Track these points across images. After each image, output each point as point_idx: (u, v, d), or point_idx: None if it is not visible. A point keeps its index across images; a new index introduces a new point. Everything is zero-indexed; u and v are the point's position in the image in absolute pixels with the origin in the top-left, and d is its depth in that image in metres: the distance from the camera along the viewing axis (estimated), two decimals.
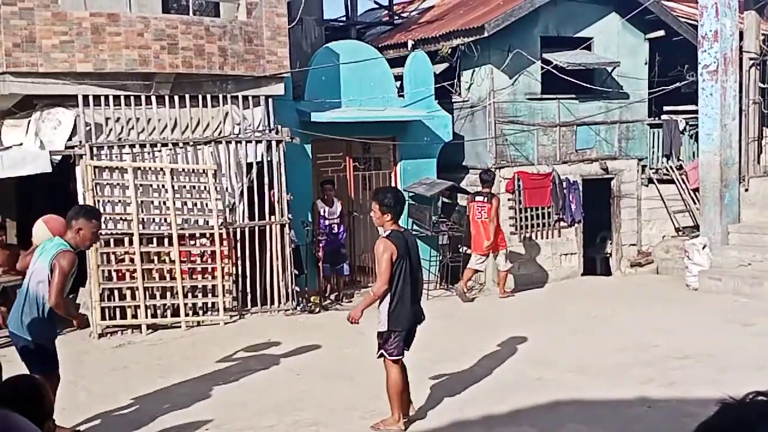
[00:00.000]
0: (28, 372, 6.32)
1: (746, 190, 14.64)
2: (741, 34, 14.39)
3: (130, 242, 10.97)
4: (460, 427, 7.12)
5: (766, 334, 10.10)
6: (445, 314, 12.10)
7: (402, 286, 6.76)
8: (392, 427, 6.94)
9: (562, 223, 15.44)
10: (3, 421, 1.47)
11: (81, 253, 10.73)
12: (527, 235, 15.11)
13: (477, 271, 13.70)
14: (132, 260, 11.00)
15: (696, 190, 15.19)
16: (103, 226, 10.89)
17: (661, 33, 15.77)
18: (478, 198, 13.44)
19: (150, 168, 11.22)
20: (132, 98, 11.04)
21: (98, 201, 10.75)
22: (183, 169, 11.39)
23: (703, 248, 13.60)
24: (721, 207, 13.85)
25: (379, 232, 7.23)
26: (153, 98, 11.17)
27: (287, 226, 12.02)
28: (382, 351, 6.88)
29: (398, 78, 14.35)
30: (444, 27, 15.26)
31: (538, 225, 15.22)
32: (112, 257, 10.99)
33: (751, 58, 14.75)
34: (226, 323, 11.29)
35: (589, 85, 15.24)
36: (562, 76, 14.59)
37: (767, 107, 15.16)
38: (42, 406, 3.33)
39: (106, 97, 10.89)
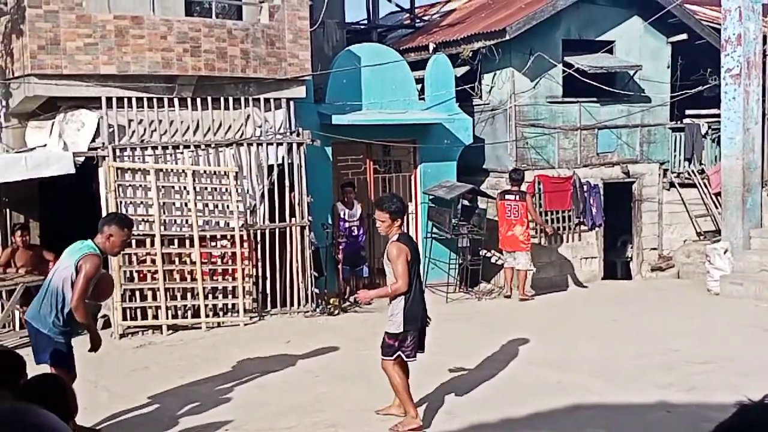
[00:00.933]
0: (34, 362, 6.40)
1: None
2: (765, 37, 14.29)
3: (152, 243, 11.05)
4: (478, 430, 7.12)
5: None
6: (463, 317, 12.11)
7: (414, 288, 6.95)
8: (412, 425, 6.99)
9: (583, 227, 15.39)
10: (36, 418, 1.51)
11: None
12: (548, 238, 15.08)
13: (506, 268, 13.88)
14: (153, 261, 11.08)
15: (718, 194, 15.09)
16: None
17: (683, 36, 15.69)
18: (508, 197, 13.61)
19: (172, 170, 11.30)
20: (155, 100, 11.13)
21: (120, 202, 10.85)
22: (204, 171, 11.46)
23: (725, 253, 13.51)
24: (743, 211, 13.75)
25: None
26: (175, 100, 11.25)
27: (307, 228, 12.07)
28: (399, 353, 6.92)
29: (419, 81, 14.37)
30: (465, 30, 15.27)
31: (558, 228, 15.18)
32: (134, 258, 11.07)
33: None
34: (245, 324, 11.34)
35: (610, 89, 15.20)
36: (584, 79, 14.55)
37: None
38: (67, 405, 3.39)
39: (129, 99, 10.98)
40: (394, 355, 6.95)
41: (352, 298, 13.17)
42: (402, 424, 7.03)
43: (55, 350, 6.49)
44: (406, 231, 7.25)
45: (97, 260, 6.40)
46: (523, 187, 14.07)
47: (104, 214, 10.88)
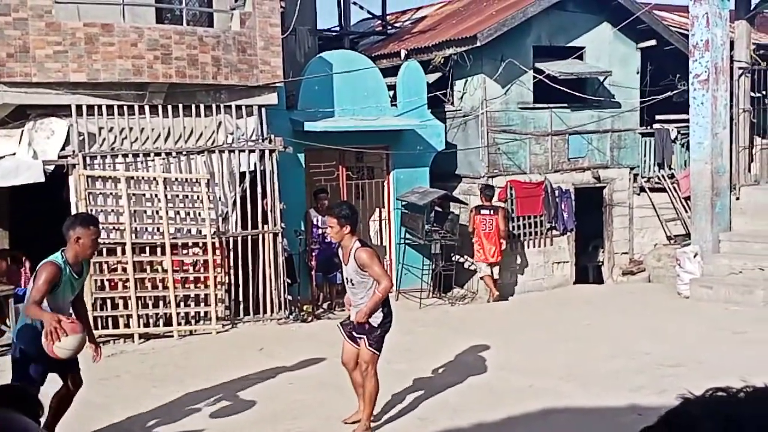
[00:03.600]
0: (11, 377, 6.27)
1: (737, 198, 14.72)
2: (732, 43, 14.48)
3: (123, 252, 10.98)
4: None
5: (756, 342, 10.15)
6: (436, 322, 12.16)
7: None
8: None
9: (555, 232, 15.50)
10: (22, 424, 1.51)
11: None
12: (519, 243, 15.18)
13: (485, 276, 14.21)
14: (124, 269, 11.01)
15: (687, 198, 15.24)
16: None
17: (652, 42, 15.87)
18: (483, 211, 13.92)
19: (143, 177, 11.25)
20: (125, 108, 11.07)
21: (91, 210, 10.76)
22: (176, 179, 11.42)
23: (695, 256, 13.66)
24: (712, 215, 13.91)
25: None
26: (146, 108, 11.20)
27: (280, 235, 12.05)
28: (365, 337, 6.93)
29: (391, 87, 14.41)
30: (437, 37, 15.33)
31: (530, 233, 15.28)
32: (105, 266, 11.00)
33: (741, 68, 14.85)
34: (218, 332, 11.30)
35: (581, 95, 15.31)
36: (555, 85, 14.65)
37: (757, 116, 15.24)
38: (35, 413, 3.36)
39: (100, 106, 10.92)
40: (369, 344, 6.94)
41: (326, 305, 13.18)
42: (360, 428, 7.07)
43: (24, 365, 6.25)
44: (367, 239, 7.28)
45: (51, 268, 6.09)
46: (495, 196, 14.38)
47: None
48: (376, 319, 6.90)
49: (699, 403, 1.07)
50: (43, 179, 10.52)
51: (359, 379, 7.10)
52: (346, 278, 7.08)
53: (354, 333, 7.05)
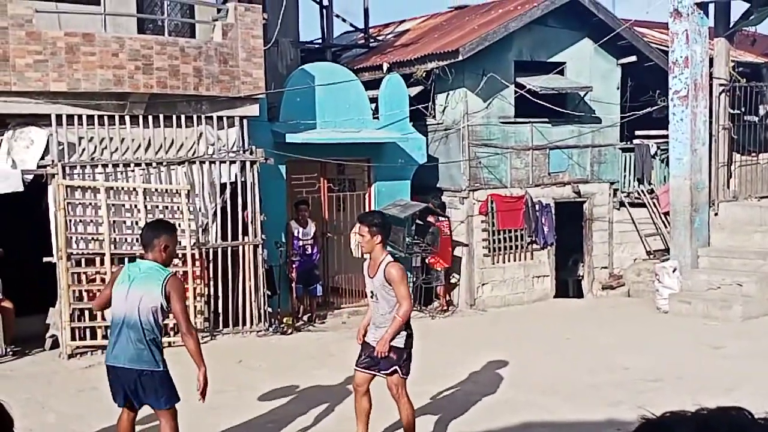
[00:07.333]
0: (151, 407, 6.16)
1: (716, 214, 14.81)
2: (711, 60, 14.60)
3: (102, 262, 10.89)
4: None
5: (735, 357, 10.21)
6: (417, 336, 12.10)
7: None
8: None
9: (535, 246, 15.54)
10: None
11: (52, 271, 10.67)
12: (500, 257, 15.23)
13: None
14: (103, 280, 10.89)
15: (667, 213, 15.33)
16: (74, 245, 10.86)
17: (633, 58, 15.98)
18: (441, 218, 14.49)
19: (123, 188, 11.18)
20: (106, 118, 11.01)
21: (70, 221, 10.70)
22: (156, 189, 11.36)
23: (674, 271, 13.72)
24: (691, 231, 13.99)
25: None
26: (127, 118, 11.14)
27: (260, 246, 12.00)
28: (396, 367, 6.66)
29: (373, 100, 14.43)
30: (419, 50, 15.38)
31: (511, 247, 15.31)
32: (83, 277, 10.91)
33: (720, 84, 14.96)
34: None
35: (561, 110, 15.40)
36: (536, 100, 14.73)
37: (736, 133, 15.35)
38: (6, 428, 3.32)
39: (80, 116, 10.85)
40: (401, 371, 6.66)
41: (306, 317, 13.14)
42: None
43: (169, 384, 6.20)
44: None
45: (180, 280, 5.97)
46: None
47: (54, 231, 10.72)
48: (400, 339, 6.64)
49: (663, 425, 1.09)
50: (22, 189, 10.44)
51: (366, 405, 6.80)
52: (371, 292, 6.69)
53: (381, 371, 6.68)
